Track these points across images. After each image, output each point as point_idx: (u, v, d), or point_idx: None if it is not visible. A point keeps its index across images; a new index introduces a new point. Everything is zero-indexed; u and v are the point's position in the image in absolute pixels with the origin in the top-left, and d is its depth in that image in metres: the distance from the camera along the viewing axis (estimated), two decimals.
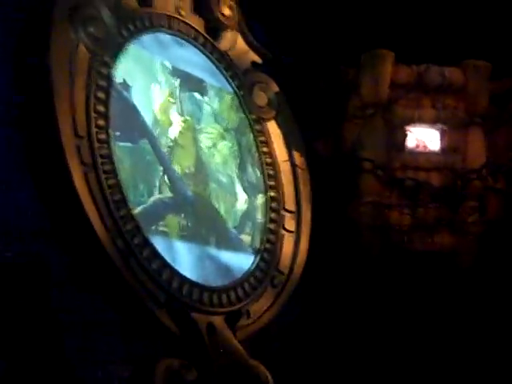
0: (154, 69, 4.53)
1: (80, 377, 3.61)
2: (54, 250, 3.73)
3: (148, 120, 4.37)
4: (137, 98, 4.33)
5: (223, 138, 4.82)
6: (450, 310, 5.11)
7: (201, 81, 4.81)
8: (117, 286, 3.83)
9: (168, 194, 4.32)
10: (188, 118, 4.63)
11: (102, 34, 4.16)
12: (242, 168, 4.85)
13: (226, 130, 4.85)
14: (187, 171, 4.51)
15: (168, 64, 4.60)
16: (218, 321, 4.16)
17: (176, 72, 4.64)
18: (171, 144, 4.47)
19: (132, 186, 4.13)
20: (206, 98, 4.80)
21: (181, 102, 4.63)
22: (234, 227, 4.65)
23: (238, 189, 4.78)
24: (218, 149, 4.78)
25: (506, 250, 5.23)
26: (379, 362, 4.88)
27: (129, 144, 4.19)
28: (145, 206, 4.12)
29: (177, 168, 4.45)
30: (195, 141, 4.65)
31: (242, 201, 4.77)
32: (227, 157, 4.80)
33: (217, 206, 4.63)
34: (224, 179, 4.75)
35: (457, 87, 5.46)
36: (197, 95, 4.76)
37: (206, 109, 4.80)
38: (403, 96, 5.38)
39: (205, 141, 4.73)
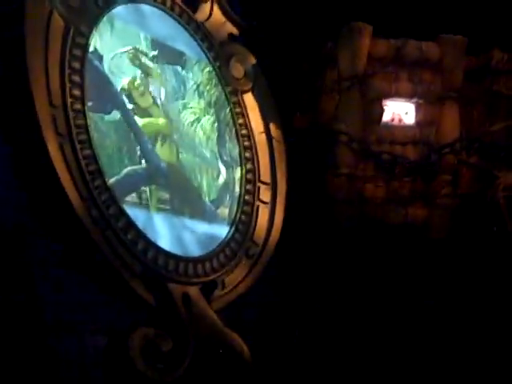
0: (134, 41, 4.49)
1: (56, 346, 3.62)
2: (29, 221, 3.71)
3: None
4: (112, 70, 4.30)
5: (206, 113, 4.83)
6: (423, 280, 5.18)
7: (181, 54, 4.79)
8: (92, 256, 3.83)
9: (142, 165, 4.31)
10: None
11: (77, 3, 4.13)
12: (221, 142, 4.86)
13: (208, 104, 4.85)
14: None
15: (147, 36, 4.56)
16: (193, 291, 4.20)
17: (155, 44, 4.60)
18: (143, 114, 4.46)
19: (117, 158, 4.15)
20: (189, 74, 4.79)
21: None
22: (212, 200, 4.66)
23: (220, 163, 4.81)
24: (201, 124, 4.78)
25: (476, 222, 5.30)
26: (353, 332, 4.95)
27: (102, 115, 4.17)
28: (117, 177, 4.10)
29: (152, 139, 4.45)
30: (176, 113, 4.64)
31: (222, 174, 4.80)
32: (209, 132, 4.81)
33: (199, 179, 4.65)
34: (207, 154, 4.76)
35: (433, 62, 5.47)
36: (179, 69, 4.75)
37: (190, 84, 4.79)
38: (380, 70, 5.39)
39: (188, 116, 4.72)
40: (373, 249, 5.15)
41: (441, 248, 5.26)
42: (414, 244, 5.22)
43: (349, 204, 5.24)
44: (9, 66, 3.84)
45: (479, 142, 5.48)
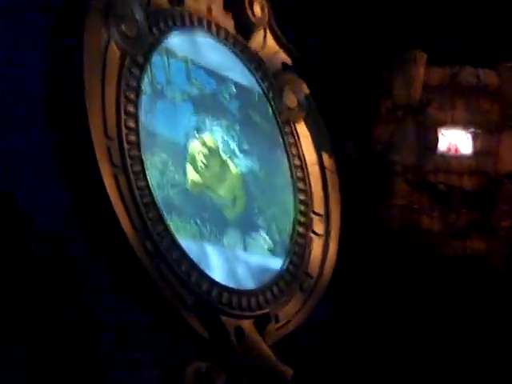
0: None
1: (110, 379, 3.59)
2: (85, 252, 3.71)
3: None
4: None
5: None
6: (481, 314, 5.02)
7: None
8: (146, 288, 3.80)
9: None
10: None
11: (134, 33, 4.14)
12: None
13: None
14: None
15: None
16: (246, 324, 4.13)
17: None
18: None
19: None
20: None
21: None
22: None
23: None
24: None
25: None
26: (409, 367, 4.81)
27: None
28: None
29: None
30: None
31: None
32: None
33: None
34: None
35: (491, 89, 5.36)
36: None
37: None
38: (436, 98, 5.29)
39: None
40: (430, 281, 5.01)
41: (501, 281, 5.10)
42: (474, 277, 5.07)
43: (404, 235, 5.13)
44: (67, 95, 3.85)
45: None
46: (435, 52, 5.34)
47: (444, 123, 5.28)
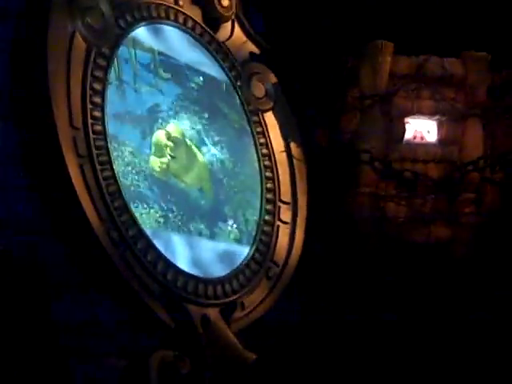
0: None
1: (73, 369, 3.62)
2: (48, 242, 3.73)
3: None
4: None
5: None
6: (446, 300, 5.12)
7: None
8: (111, 277, 3.84)
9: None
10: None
11: (100, 25, 4.15)
12: None
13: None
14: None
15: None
16: (212, 313, 4.18)
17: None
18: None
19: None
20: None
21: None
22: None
23: None
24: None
25: (502, 241, 5.23)
26: (376, 354, 4.89)
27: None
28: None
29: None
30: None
31: None
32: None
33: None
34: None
35: (456, 79, 5.42)
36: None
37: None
38: (402, 87, 5.35)
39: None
40: (396, 268, 5.10)
41: (465, 268, 5.19)
42: (438, 263, 5.17)
43: (371, 223, 5.21)
44: (30, 86, 3.87)
45: (503, 159, 5.42)
46: (402, 41, 5.40)
47: (410, 112, 5.35)
